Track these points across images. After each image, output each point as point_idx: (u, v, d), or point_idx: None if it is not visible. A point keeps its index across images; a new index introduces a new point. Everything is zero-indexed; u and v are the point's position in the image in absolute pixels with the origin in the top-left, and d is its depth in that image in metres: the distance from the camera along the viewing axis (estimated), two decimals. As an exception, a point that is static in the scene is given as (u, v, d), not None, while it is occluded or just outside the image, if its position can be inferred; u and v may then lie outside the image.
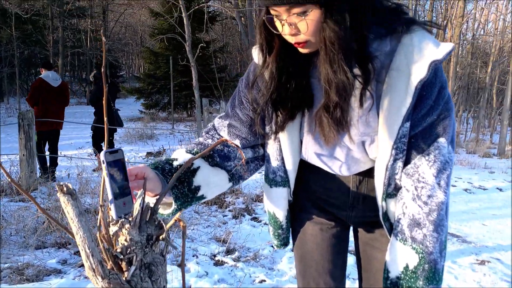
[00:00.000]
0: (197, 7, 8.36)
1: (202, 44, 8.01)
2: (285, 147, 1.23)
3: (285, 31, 1.02)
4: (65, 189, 0.88)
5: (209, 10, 16.36)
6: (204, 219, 4.39)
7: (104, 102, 0.88)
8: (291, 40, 1.03)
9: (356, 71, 1.02)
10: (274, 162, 1.27)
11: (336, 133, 1.08)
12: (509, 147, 12.02)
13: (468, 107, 18.71)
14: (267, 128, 1.23)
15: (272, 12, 1.02)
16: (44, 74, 6.11)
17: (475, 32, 16.33)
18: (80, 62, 26.70)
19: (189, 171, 1.18)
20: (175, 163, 1.17)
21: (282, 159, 1.25)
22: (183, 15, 7.24)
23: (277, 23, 1.03)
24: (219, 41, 22.29)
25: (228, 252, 3.54)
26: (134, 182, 1.04)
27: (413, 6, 13.76)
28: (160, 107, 16.73)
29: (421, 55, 1.00)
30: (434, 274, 1.08)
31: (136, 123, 14.80)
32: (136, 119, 16.13)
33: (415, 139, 1.09)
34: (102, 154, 0.92)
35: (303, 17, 0.97)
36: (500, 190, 6.55)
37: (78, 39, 24.22)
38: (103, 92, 6.76)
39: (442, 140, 1.06)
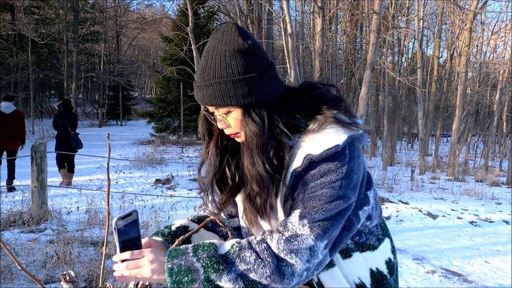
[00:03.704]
0: (206, 39, 8.60)
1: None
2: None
3: (218, 124, 1.19)
4: (67, 277, 1.00)
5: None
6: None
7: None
8: (225, 131, 1.20)
9: (275, 162, 1.16)
10: (242, 229, 1.37)
11: (257, 220, 1.21)
12: (518, 175, 11.92)
13: (478, 132, 18.61)
14: (213, 205, 1.36)
15: (208, 108, 1.19)
16: (2, 104, 7.67)
17: (481, 61, 16.39)
18: (93, 84, 27.24)
19: (186, 233, 1.33)
20: (173, 227, 1.34)
21: (248, 227, 1.34)
22: (193, 47, 7.46)
23: None
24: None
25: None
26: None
27: (420, 32, 13.91)
28: (170, 130, 16.98)
29: (302, 148, 1.12)
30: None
31: (147, 146, 15.02)
32: (147, 142, 16.39)
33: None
34: (114, 221, 1.03)
35: (227, 115, 1.15)
36: (507, 223, 6.52)
37: (92, 63, 24.79)
38: (60, 119, 7.94)
39: (293, 219, 1.09)
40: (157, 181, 8.58)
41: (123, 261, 1.07)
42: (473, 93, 14.89)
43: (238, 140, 1.20)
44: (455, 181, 11.08)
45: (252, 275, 1.04)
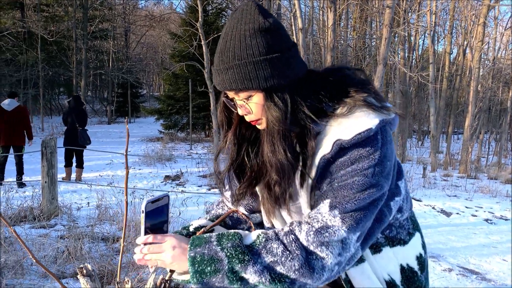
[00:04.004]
0: (216, 35, 8.54)
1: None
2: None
3: (238, 111, 1.12)
4: (84, 271, 0.93)
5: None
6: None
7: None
8: (246, 118, 1.12)
9: (298, 149, 1.08)
10: (265, 223, 1.29)
11: (275, 210, 1.14)
12: (532, 172, 11.72)
13: (490, 129, 18.36)
14: (228, 194, 1.28)
15: (227, 94, 1.12)
16: (4, 101, 7.78)
17: (495, 56, 16.16)
18: (102, 82, 27.32)
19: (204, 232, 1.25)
20: (191, 228, 1.25)
21: (271, 220, 1.26)
22: (202, 43, 7.40)
23: None
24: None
25: None
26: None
27: (432, 28, 13.73)
28: (178, 127, 16.95)
29: (331, 133, 1.04)
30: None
31: (156, 143, 15.01)
32: (155, 139, 16.38)
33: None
34: (143, 203, 0.99)
35: (248, 100, 1.07)
36: (523, 220, 6.39)
37: (101, 60, 24.84)
38: (69, 115, 8.05)
39: (324, 209, 1.02)
40: (167, 177, 8.55)
41: (145, 244, 1.02)
42: (486, 89, 14.67)
43: (259, 127, 1.13)
44: (468, 178, 10.93)
45: (279, 268, 0.98)
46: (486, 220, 6.31)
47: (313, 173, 1.06)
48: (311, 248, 0.99)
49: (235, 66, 1.02)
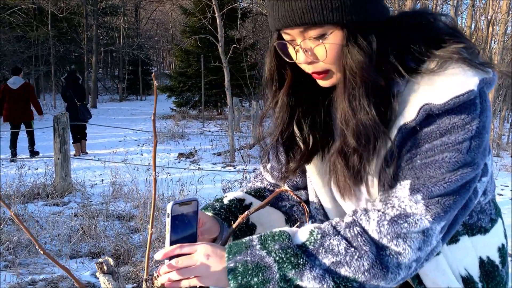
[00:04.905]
0: (230, 6, 8.22)
1: (235, 45, 7.86)
2: (318, 186, 1.04)
3: (300, 59, 0.86)
4: (105, 267, 0.73)
5: (240, 7, 16.21)
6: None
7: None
8: (308, 69, 0.87)
9: (379, 111, 0.83)
10: (312, 204, 1.09)
11: (352, 185, 0.89)
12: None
13: (509, 106, 17.85)
14: (275, 168, 1.07)
15: (284, 36, 0.86)
16: (10, 79, 7.98)
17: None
18: (112, 59, 27.14)
19: (242, 207, 1.08)
20: (225, 200, 1.09)
21: (320, 200, 1.06)
22: (216, 15, 7.11)
23: (291, 50, 0.87)
24: (250, 38, 22.09)
25: None
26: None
27: (455, 2, 13.17)
28: (190, 105, 16.76)
29: (416, 94, 0.81)
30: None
31: (168, 121, 14.88)
32: (167, 116, 16.23)
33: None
34: (169, 206, 0.79)
35: (321, 41, 0.81)
36: (551, 200, 6.13)
37: (111, 37, 24.59)
38: (67, 90, 8.15)
39: (403, 193, 0.81)
40: (180, 154, 8.43)
41: (171, 258, 0.80)
42: (508, 63, 14.15)
43: (324, 83, 0.88)
44: (489, 156, 10.62)
45: (343, 270, 0.78)
46: (513, 199, 6.07)
47: (389, 141, 0.84)
48: (384, 241, 0.79)
49: None
